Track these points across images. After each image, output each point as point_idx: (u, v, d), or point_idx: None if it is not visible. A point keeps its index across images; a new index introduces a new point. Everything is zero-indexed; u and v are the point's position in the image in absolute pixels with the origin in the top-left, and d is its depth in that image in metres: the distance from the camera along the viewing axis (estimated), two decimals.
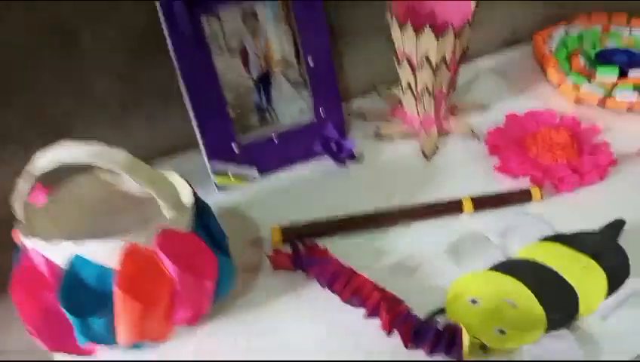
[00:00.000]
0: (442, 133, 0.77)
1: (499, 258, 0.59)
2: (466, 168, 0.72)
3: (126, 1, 0.62)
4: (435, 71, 0.69)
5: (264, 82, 0.69)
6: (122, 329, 0.46)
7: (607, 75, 0.80)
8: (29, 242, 0.45)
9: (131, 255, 0.44)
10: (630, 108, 0.77)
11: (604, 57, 0.85)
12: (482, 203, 0.65)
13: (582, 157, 0.69)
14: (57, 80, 0.63)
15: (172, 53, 0.62)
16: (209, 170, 0.68)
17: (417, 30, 0.65)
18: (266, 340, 0.53)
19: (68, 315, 0.44)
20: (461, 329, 0.48)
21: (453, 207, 0.64)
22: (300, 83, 0.71)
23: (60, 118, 0.65)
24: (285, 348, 0.52)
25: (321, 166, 0.73)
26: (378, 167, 0.73)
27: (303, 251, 0.58)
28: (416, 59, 0.69)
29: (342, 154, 0.72)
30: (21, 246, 0.47)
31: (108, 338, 0.47)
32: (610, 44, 0.88)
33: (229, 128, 0.67)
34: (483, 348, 0.49)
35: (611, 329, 0.51)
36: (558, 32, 0.90)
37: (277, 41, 0.68)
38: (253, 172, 0.70)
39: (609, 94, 0.78)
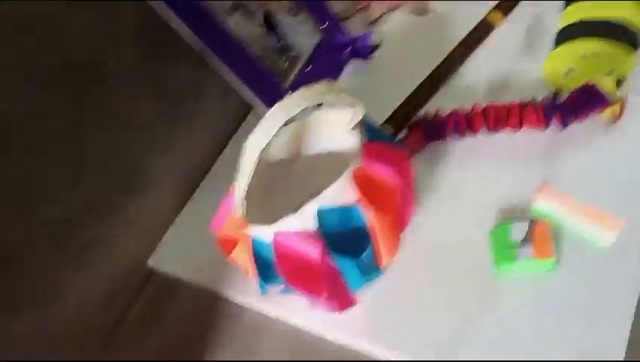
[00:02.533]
0: None
1: (553, 35, 0.70)
2: (466, 7, 0.81)
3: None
4: None
5: (269, 24, 0.71)
6: (383, 249, 0.50)
7: None
8: (270, 229, 0.46)
9: (359, 179, 0.48)
10: None
11: None
12: (506, 6, 0.76)
13: None
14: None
15: (191, 38, 0.62)
16: None
17: None
18: (455, 202, 0.60)
19: (347, 263, 0.48)
20: (594, 83, 0.59)
21: (486, 29, 0.75)
22: (294, 8, 0.74)
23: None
24: (474, 196, 0.60)
25: (355, 70, 0.78)
26: (397, 43, 0.80)
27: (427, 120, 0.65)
28: None
29: (365, 51, 0.78)
30: (253, 242, 0.48)
31: (373, 268, 0.51)
32: None
33: (274, 81, 0.69)
34: (618, 83, 0.61)
35: None
36: None
37: None
38: None
39: None
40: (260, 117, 0.61)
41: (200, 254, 0.65)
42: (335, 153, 0.58)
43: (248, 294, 0.61)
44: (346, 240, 0.48)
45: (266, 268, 0.50)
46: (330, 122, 0.56)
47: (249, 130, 0.76)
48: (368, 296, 0.55)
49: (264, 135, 0.42)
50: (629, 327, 0.47)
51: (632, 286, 0.49)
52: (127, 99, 0.62)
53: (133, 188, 0.64)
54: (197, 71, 0.69)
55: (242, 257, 0.51)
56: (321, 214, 0.47)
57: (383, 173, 0.50)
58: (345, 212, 0.48)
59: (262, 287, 0.52)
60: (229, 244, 0.52)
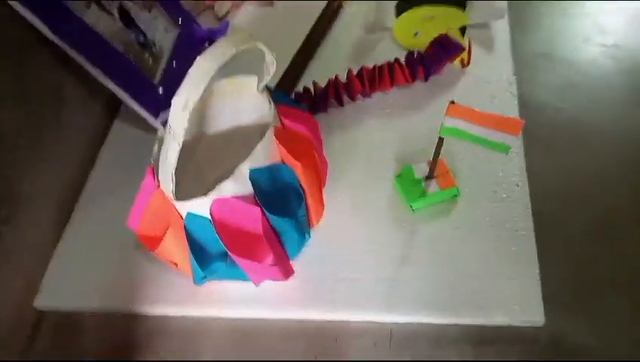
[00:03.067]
0: None
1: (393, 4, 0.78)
2: None
3: None
4: None
5: (127, 18, 0.67)
6: (312, 205, 0.51)
7: None
8: (207, 198, 0.44)
9: (281, 137, 0.48)
10: None
11: None
12: None
13: None
14: None
15: (45, 30, 0.56)
16: (159, 127, 0.66)
17: None
18: (356, 160, 0.64)
19: (284, 223, 0.47)
20: (445, 34, 0.68)
21: (336, 8, 0.80)
22: (146, 4, 0.71)
23: None
24: (371, 152, 0.65)
25: None
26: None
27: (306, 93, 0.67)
28: None
29: None
30: (187, 221, 0.45)
31: (305, 228, 0.52)
32: None
33: (144, 77, 0.66)
34: (462, 32, 0.70)
35: None
36: None
37: None
38: None
39: None
40: (134, 118, 0.57)
41: (95, 278, 0.58)
42: (242, 126, 0.57)
43: (168, 303, 0.56)
44: (280, 199, 0.47)
45: (201, 251, 0.47)
46: (232, 92, 0.55)
47: (118, 143, 0.71)
48: (300, 264, 0.55)
49: (193, 92, 0.39)
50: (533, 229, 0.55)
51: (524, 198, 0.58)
52: None
53: (5, 212, 0.54)
54: (56, 75, 0.62)
55: (172, 245, 0.47)
56: (254, 174, 0.45)
57: (299, 131, 0.50)
58: (274, 170, 0.47)
59: (197, 276, 0.48)
60: (152, 239, 0.47)
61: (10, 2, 0.53)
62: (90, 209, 0.64)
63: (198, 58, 0.40)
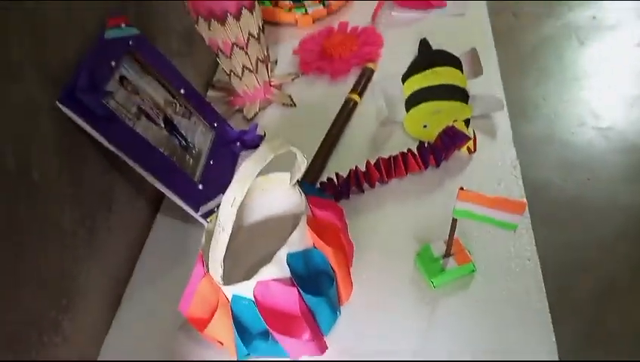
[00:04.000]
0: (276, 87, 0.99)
1: (402, 100, 0.87)
2: (321, 97, 0.96)
3: None
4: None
5: (170, 126, 0.76)
6: (342, 284, 0.56)
7: None
8: (251, 282, 0.49)
9: (312, 225, 0.54)
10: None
11: None
12: (359, 88, 0.92)
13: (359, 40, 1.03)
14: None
15: (104, 141, 0.64)
16: (199, 219, 0.73)
17: (219, 19, 0.82)
18: (378, 241, 0.70)
19: (319, 302, 0.52)
20: (452, 125, 0.75)
21: (352, 106, 0.89)
22: (186, 113, 0.81)
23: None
24: (392, 232, 0.70)
25: None
26: (277, 132, 0.91)
27: (330, 183, 0.74)
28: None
29: (254, 141, 0.87)
30: (233, 302, 0.50)
31: (336, 306, 0.56)
32: None
33: (187, 177, 0.73)
34: (467, 123, 0.78)
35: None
36: None
37: (152, 90, 0.76)
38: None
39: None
40: (176, 211, 0.63)
41: (144, 359, 0.62)
42: (275, 216, 0.63)
43: None
44: (314, 280, 0.52)
45: (245, 330, 0.51)
46: (267, 187, 0.62)
47: (161, 235, 0.78)
48: (333, 339, 0.59)
49: (239, 190, 0.46)
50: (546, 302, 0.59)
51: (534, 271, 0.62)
52: (54, 208, 0.60)
53: (66, 302, 0.60)
54: (108, 177, 0.70)
55: (220, 326, 0.52)
56: (291, 259, 0.51)
57: (327, 218, 0.57)
58: (308, 254, 0.53)
59: (241, 353, 0.53)
60: (201, 321, 0.53)
61: (74, 118, 0.62)
62: (138, 294, 0.70)
63: (243, 162, 0.47)
